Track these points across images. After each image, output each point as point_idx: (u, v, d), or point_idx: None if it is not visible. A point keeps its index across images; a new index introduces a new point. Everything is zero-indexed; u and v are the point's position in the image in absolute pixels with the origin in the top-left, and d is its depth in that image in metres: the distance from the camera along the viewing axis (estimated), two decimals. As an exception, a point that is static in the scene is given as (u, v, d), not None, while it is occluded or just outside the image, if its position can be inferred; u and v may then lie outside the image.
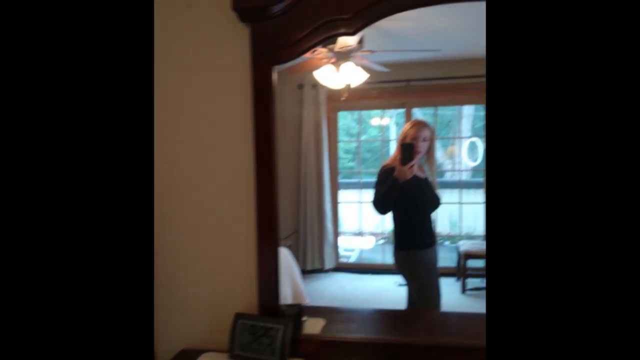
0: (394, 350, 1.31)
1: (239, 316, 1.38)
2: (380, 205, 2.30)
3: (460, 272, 4.12)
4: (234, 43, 1.35)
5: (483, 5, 1.20)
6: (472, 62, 4.24)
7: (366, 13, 1.22)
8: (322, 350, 1.35)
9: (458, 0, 1.18)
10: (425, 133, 2.25)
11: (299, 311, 1.44)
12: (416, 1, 1.20)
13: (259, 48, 1.29)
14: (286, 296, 3.36)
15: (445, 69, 4.29)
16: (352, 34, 1.25)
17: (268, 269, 1.37)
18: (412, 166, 2.13)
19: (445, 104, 5.02)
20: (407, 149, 2.13)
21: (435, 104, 4.91)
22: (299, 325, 1.42)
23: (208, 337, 1.49)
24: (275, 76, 1.31)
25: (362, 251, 5.35)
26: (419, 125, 2.30)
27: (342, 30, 1.24)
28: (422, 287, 2.31)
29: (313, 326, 1.47)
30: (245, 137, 1.38)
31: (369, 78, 3.39)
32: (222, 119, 1.42)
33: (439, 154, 7.46)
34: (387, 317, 1.61)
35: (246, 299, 1.44)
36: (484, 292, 4.02)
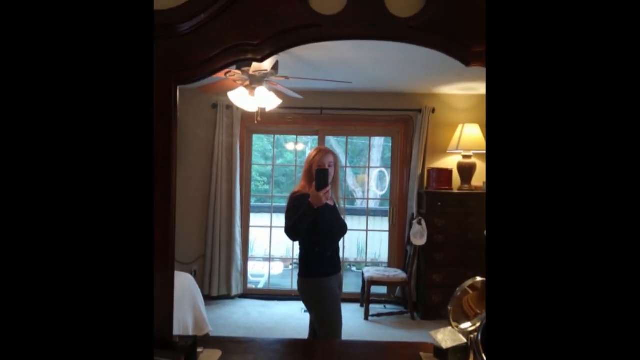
0: (289, 382, 1.28)
1: (125, 350, 1.27)
2: (294, 232, 2.27)
3: (364, 298, 4.22)
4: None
5: (391, 42, 1.29)
6: (381, 95, 4.48)
7: (275, 41, 1.22)
8: (215, 385, 1.29)
9: (361, 38, 1.23)
10: (330, 159, 2.29)
11: (194, 343, 1.36)
12: (323, 35, 1.22)
13: (162, 66, 1.23)
14: (187, 325, 3.20)
15: (357, 101, 4.47)
16: (260, 60, 1.25)
17: (161, 299, 1.29)
18: (327, 192, 2.14)
19: (356, 134, 5.22)
20: (322, 175, 2.14)
21: (347, 133, 5.08)
22: (193, 357, 1.35)
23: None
24: (177, 96, 1.26)
25: (270, 277, 5.29)
26: (323, 151, 2.33)
27: (249, 56, 1.23)
28: (323, 315, 2.30)
29: (208, 358, 1.41)
30: (144, 157, 1.30)
31: (284, 103, 3.42)
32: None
33: (351, 182, 7.71)
34: (286, 347, 1.58)
35: (135, 330, 1.34)
36: (386, 318, 4.14)
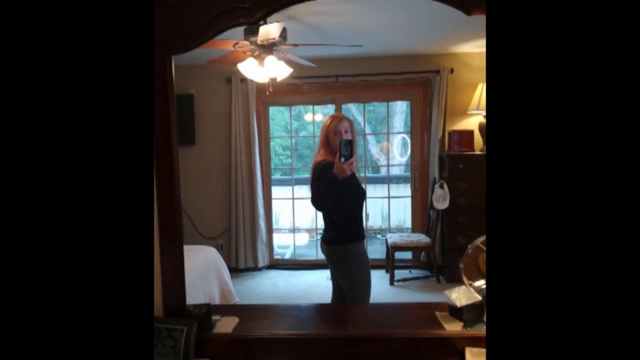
0: (303, 344, 1.30)
1: (142, 319, 1.31)
2: (320, 203, 2.24)
3: (389, 264, 4.22)
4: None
5: (399, 3, 1.24)
6: (396, 58, 4.35)
7: (265, 2, 1.19)
8: (231, 349, 1.32)
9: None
10: (345, 125, 2.24)
11: (208, 311, 1.39)
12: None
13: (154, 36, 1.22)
14: (214, 297, 3.29)
15: (372, 66, 4.37)
16: (253, 23, 1.22)
17: (171, 268, 1.31)
18: (351, 163, 2.10)
19: (373, 99, 5.11)
20: (346, 146, 2.08)
21: (364, 100, 4.99)
22: (208, 325, 1.38)
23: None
24: (172, 67, 1.25)
25: (296, 247, 5.35)
26: (337, 118, 2.28)
27: (241, 20, 1.20)
28: (355, 279, 2.29)
29: (225, 325, 1.43)
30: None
31: (297, 73, 3.36)
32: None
33: (374, 150, 7.59)
34: (302, 311, 1.60)
35: (152, 300, 1.37)
36: (411, 283, 4.15)
